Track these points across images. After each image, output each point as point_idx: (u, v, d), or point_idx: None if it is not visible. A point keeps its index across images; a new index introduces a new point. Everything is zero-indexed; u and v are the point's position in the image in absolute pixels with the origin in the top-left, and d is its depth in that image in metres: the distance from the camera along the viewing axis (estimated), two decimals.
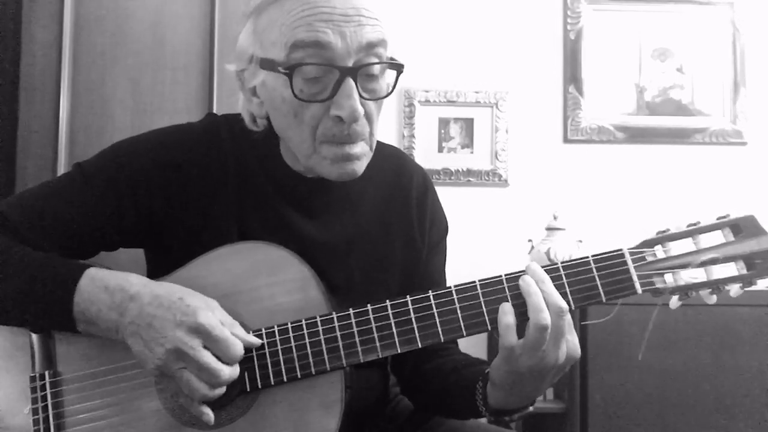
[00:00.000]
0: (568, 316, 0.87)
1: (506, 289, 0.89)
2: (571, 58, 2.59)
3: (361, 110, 0.90)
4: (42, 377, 0.94)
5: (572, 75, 2.59)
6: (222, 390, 0.88)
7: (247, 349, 0.90)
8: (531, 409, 0.97)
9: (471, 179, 2.56)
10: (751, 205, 0.92)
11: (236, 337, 0.88)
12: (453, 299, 0.90)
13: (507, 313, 0.87)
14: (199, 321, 0.86)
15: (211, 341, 0.86)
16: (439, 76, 2.58)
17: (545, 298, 0.86)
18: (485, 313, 0.89)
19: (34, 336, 0.95)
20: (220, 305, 0.91)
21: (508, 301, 0.88)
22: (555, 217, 2.29)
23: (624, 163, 2.58)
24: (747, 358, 2.01)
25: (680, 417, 2.01)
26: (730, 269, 0.89)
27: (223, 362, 0.87)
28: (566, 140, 2.59)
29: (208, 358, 0.86)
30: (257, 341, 0.91)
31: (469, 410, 1.01)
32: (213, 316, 0.87)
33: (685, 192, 2.52)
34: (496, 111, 2.57)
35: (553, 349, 0.86)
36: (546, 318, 0.85)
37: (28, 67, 2.19)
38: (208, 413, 0.88)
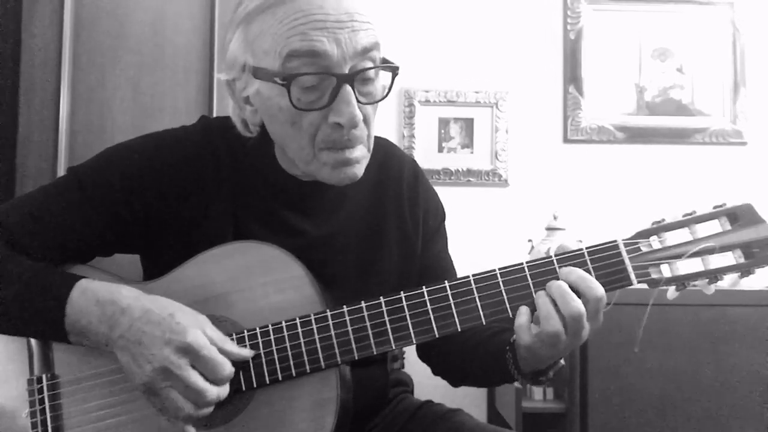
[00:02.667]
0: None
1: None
2: (571, 58, 2.59)
3: (360, 116, 0.90)
4: (40, 380, 0.94)
5: (572, 75, 2.59)
6: (209, 410, 0.88)
7: (242, 361, 0.90)
8: (562, 362, 0.98)
9: (471, 179, 2.56)
10: None
11: (228, 352, 0.88)
12: (447, 294, 0.90)
13: (522, 314, 0.89)
14: (187, 340, 0.85)
15: (199, 361, 0.86)
16: (439, 76, 2.58)
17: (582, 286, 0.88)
18: (479, 308, 0.90)
19: (32, 340, 0.95)
20: (214, 305, 0.91)
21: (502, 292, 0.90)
22: (555, 217, 2.29)
23: (624, 163, 2.58)
24: (746, 358, 2.01)
25: (680, 417, 2.00)
26: (727, 258, 0.87)
27: (210, 382, 0.86)
28: (566, 140, 2.59)
29: (195, 378, 0.85)
30: (249, 354, 0.91)
31: (503, 379, 1.03)
32: (202, 335, 0.87)
33: (685, 192, 2.51)
34: (496, 111, 2.57)
35: (573, 339, 0.90)
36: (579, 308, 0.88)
37: (28, 67, 2.18)
38: None
